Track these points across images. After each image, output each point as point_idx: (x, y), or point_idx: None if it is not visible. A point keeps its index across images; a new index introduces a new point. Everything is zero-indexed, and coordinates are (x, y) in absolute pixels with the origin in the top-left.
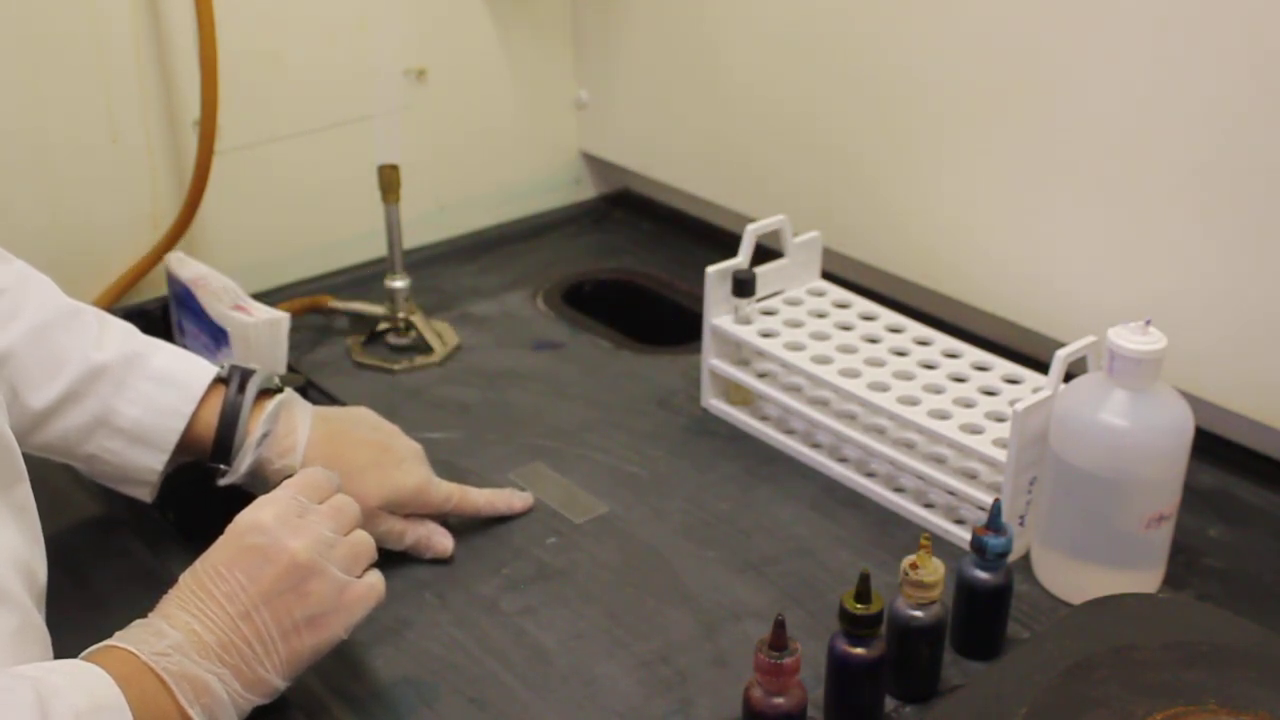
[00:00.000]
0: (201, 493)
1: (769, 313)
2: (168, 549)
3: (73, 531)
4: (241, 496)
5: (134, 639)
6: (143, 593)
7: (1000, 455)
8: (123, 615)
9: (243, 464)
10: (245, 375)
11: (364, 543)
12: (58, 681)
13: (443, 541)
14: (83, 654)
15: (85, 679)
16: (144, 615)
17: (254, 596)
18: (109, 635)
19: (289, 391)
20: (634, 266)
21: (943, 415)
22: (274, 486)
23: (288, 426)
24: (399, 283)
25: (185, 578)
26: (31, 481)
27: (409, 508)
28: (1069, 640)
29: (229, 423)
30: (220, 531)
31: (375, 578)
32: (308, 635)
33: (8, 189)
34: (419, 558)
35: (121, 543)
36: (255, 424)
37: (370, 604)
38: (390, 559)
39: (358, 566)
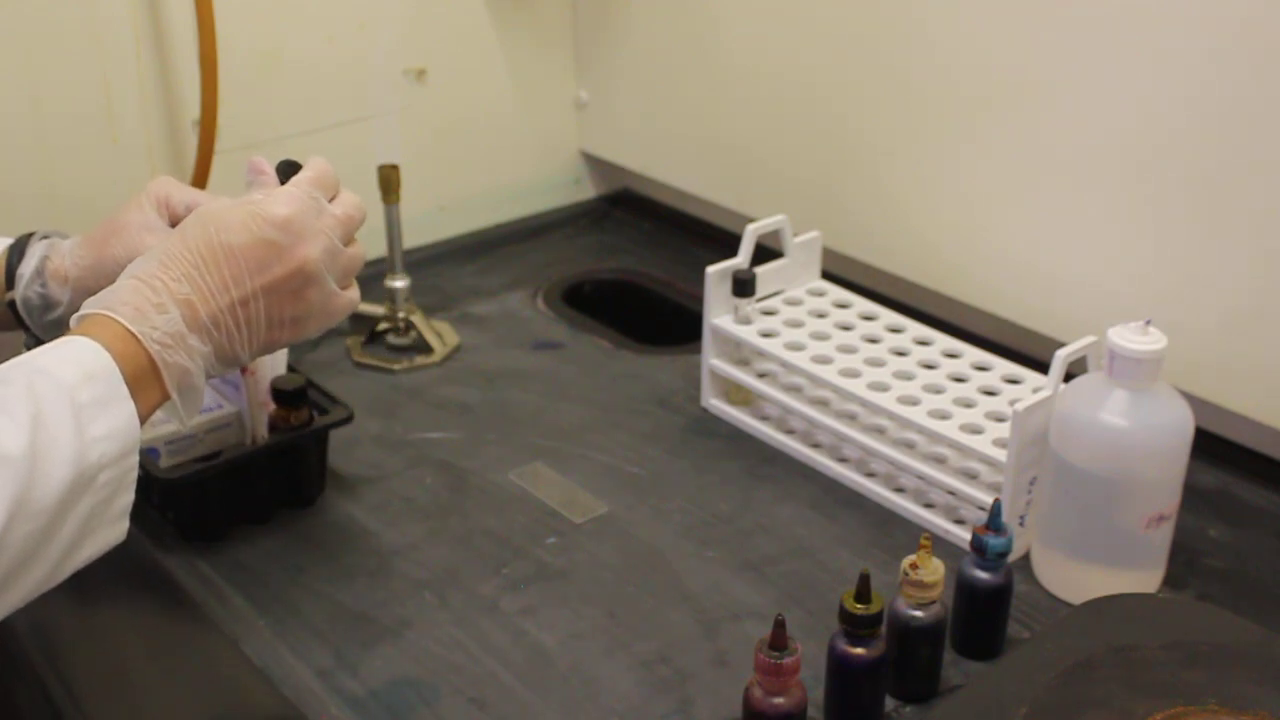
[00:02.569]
0: (202, 493)
1: (769, 313)
2: (167, 548)
3: None
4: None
5: (133, 313)
6: (142, 591)
7: (1000, 455)
8: (122, 614)
9: (29, 264)
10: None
11: (359, 256)
12: (45, 361)
13: None
14: (78, 316)
15: (73, 350)
16: (143, 617)
17: (256, 287)
18: (108, 635)
19: None
20: (634, 266)
21: (943, 415)
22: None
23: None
24: (399, 283)
25: (196, 242)
26: None
27: None
28: (1069, 640)
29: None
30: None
31: (355, 291)
32: (288, 331)
33: (9, 189)
34: None
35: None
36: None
37: (346, 314)
38: (391, 558)
39: (348, 279)
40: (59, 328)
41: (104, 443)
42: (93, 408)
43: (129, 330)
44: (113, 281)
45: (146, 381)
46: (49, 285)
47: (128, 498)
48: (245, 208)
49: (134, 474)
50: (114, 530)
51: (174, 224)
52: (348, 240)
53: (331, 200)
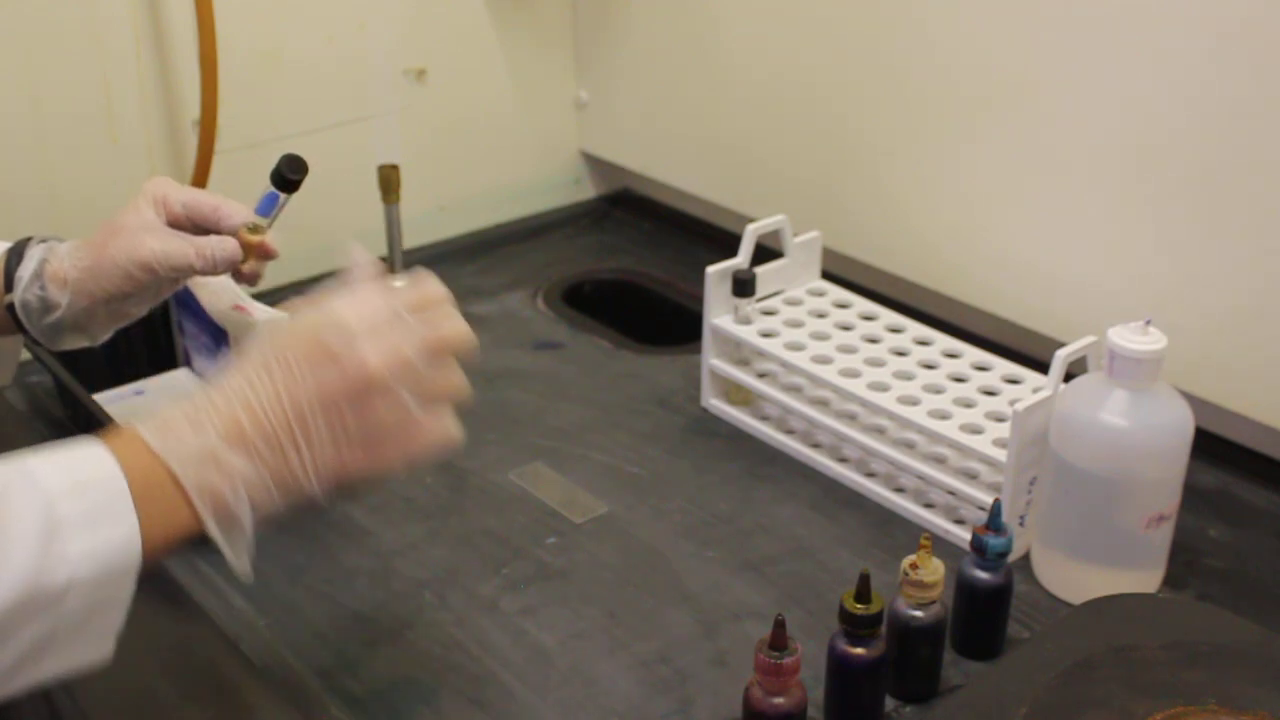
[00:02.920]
0: None
1: (769, 313)
2: None
3: None
4: None
5: (159, 426)
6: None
7: (1000, 455)
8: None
9: (28, 267)
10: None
11: (454, 382)
12: (35, 463)
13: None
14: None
15: (74, 457)
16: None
17: (312, 397)
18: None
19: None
20: (634, 266)
21: (943, 415)
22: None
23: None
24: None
25: (255, 350)
26: None
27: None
28: (1069, 640)
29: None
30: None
31: (453, 422)
32: (361, 454)
33: (9, 189)
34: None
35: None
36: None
37: (438, 446)
38: (391, 558)
39: (438, 404)
40: (58, 331)
41: (81, 563)
42: (75, 523)
43: (147, 445)
44: (113, 286)
45: (168, 504)
46: (48, 288)
47: (113, 619)
48: (311, 312)
49: (123, 595)
50: (95, 650)
51: (172, 223)
52: (433, 358)
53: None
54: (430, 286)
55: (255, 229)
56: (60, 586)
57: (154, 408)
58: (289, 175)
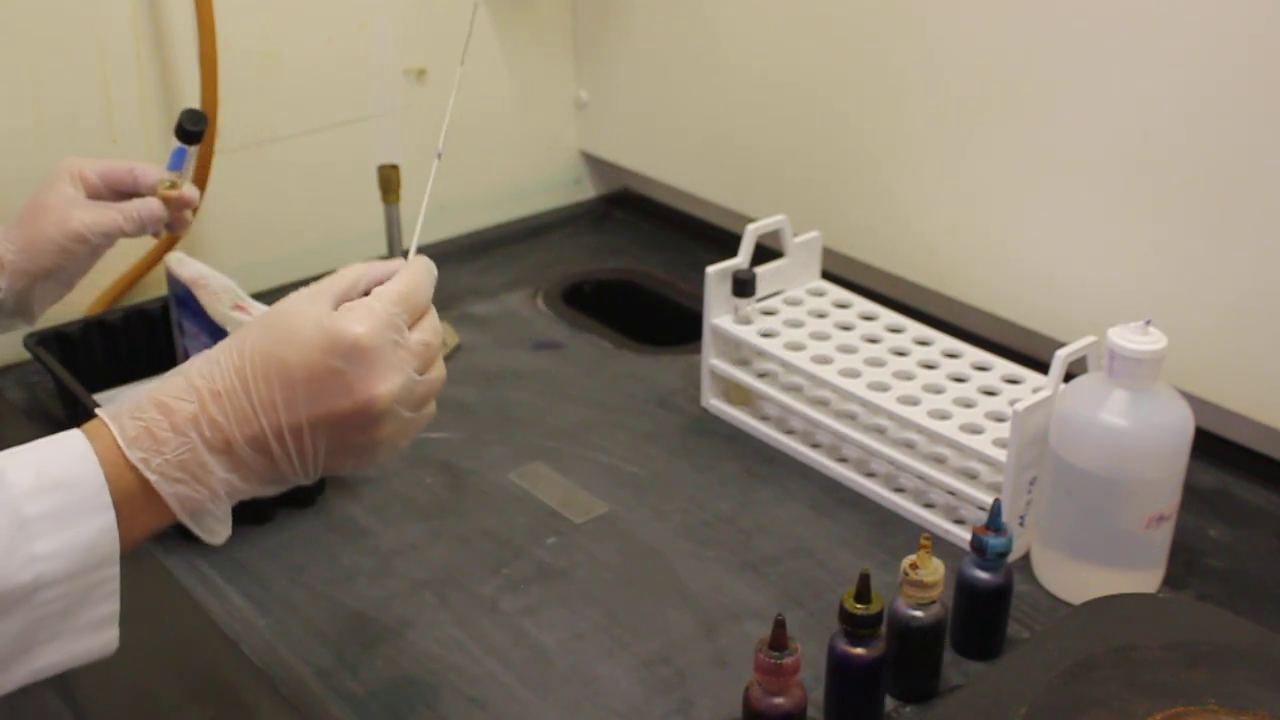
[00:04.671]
0: None
1: (769, 313)
2: (167, 548)
3: None
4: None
5: (138, 433)
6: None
7: (1000, 455)
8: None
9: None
10: None
11: (439, 381)
12: (4, 463)
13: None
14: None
15: (48, 453)
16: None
17: (312, 416)
18: None
19: None
20: (634, 266)
21: (943, 415)
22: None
23: None
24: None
25: (253, 351)
26: None
27: None
28: (1069, 640)
29: None
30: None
31: (430, 409)
32: (353, 460)
33: (8, 189)
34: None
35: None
36: None
37: (419, 432)
38: (391, 558)
39: (425, 405)
40: (1, 315)
41: (47, 561)
42: (43, 522)
43: (125, 455)
44: (49, 262)
45: (147, 500)
46: None
47: (104, 608)
48: (315, 318)
49: (107, 587)
50: (92, 640)
51: (91, 195)
52: (427, 368)
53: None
54: (417, 278)
55: (172, 184)
56: (28, 584)
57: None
58: (189, 128)
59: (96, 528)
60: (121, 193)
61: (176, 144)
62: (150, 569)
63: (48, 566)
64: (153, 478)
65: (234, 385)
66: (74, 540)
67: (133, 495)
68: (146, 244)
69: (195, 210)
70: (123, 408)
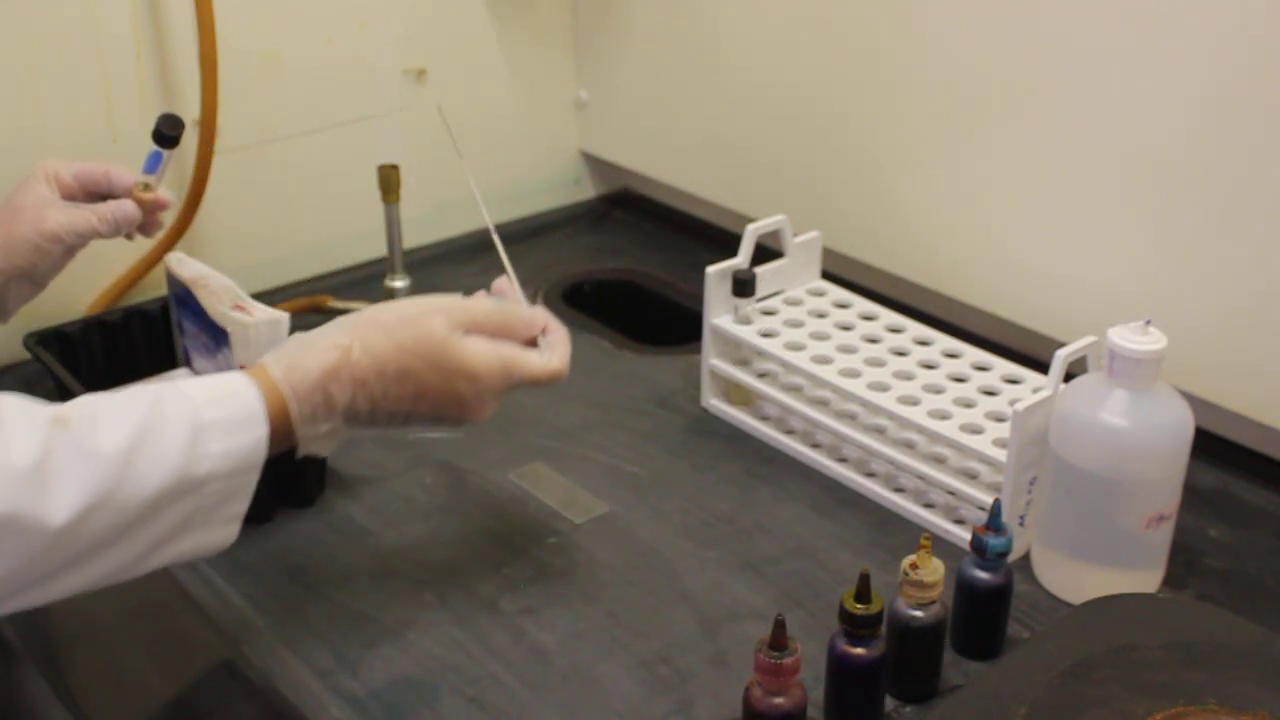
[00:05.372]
0: None
1: (769, 313)
2: None
3: None
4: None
5: (302, 412)
6: (142, 591)
7: (1000, 455)
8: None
9: None
10: None
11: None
12: (185, 382)
13: None
14: (269, 355)
15: (221, 380)
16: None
17: (427, 417)
18: (108, 635)
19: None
20: (634, 266)
21: (943, 415)
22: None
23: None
24: (399, 283)
25: (408, 356)
26: None
27: None
28: (1069, 640)
29: None
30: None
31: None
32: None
33: (8, 189)
34: None
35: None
36: None
37: None
38: (390, 558)
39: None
40: None
41: (218, 459)
42: (216, 428)
43: (288, 413)
44: (24, 261)
45: (284, 433)
46: None
47: (240, 506)
48: (455, 352)
49: (251, 487)
50: (222, 532)
51: (66, 196)
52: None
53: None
54: (534, 322)
55: (147, 187)
56: (201, 477)
57: None
58: (167, 132)
59: (255, 438)
60: (97, 194)
61: (153, 147)
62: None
63: (216, 464)
64: (296, 421)
65: (378, 384)
66: (238, 445)
67: (276, 426)
68: (146, 244)
69: (186, 210)
70: (283, 360)
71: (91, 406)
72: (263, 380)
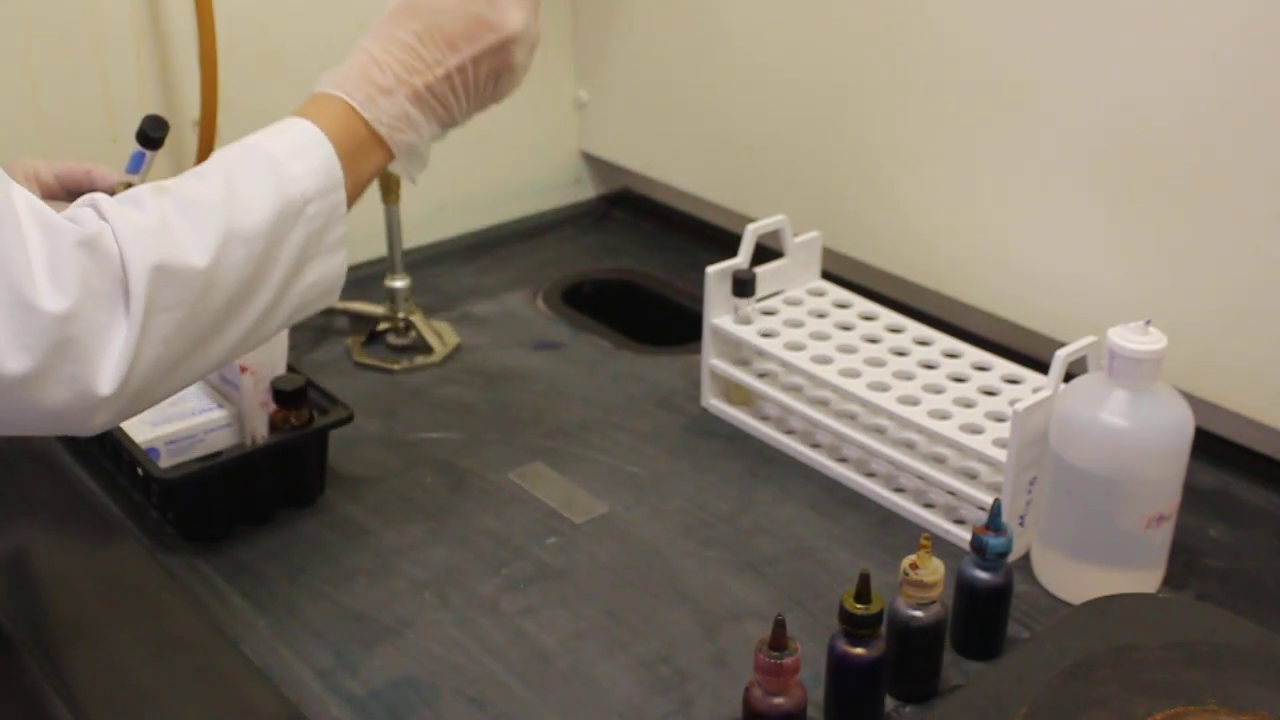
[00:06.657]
0: (202, 493)
1: (769, 313)
2: (167, 548)
3: (70, 531)
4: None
5: (365, 99)
6: (142, 591)
7: (1000, 455)
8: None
9: None
10: None
11: (537, 34)
12: (257, 138)
13: None
14: (314, 91)
15: (275, 125)
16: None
17: (468, 57)
18: (108, 635)
19: None
20: (634, 266)
21: (943, 415)
22: None
23: None
24: (399, 283)
25: (415, 24)
26: (24, 483)
27: None
28: (1069, 640)
29: None
30: (220, 534)
31: (531, 60)
32: (499, 88)
33: None
34: None
35: (121, 542)
36: None
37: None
38: (390, 558)
39: (532, 51)
40: None
41: (304, 180)
42: (286, 154)
43: (357, 112)
44: None
45: (368, 149)
46: None
47: (341, 230)
48: None
49: (343, 208)
50: (332, 260)
51: (46, 195)
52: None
53: None
54: None
55: (129, 188)
56: (299, 198)
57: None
58: (151, 133)
59: (325, 154)
60: (79, 194)
61: (137, 148)
62: (150, 569)
63: (304, 185)
64: (383, 131)
65: (410, 50)
66: (313, 163)
67: (362, 143)
68: None
69: None
70: (343, 79)
71: (177, 178)
72: (303, 111)
